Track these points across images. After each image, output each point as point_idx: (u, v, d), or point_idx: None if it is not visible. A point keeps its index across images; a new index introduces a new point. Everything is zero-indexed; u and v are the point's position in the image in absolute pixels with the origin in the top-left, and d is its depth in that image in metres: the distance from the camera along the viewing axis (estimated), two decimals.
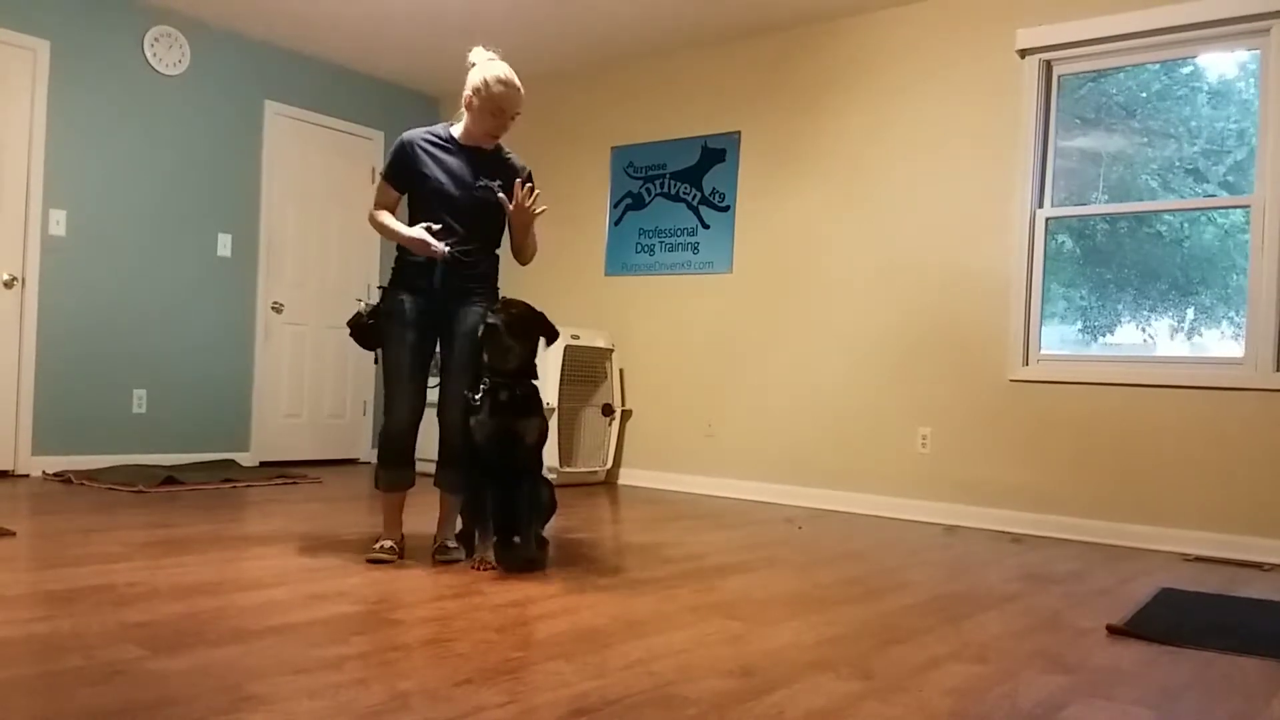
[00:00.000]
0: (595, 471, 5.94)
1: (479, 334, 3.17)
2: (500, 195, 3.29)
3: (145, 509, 4.12)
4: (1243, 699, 2.08)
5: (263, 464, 6.13)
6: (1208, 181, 4.45)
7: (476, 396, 3.15)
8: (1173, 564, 3.91)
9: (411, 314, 3.23)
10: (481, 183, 3.29)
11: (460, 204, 3.26)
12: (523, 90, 3.26)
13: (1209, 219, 4.45)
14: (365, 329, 3.37)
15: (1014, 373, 4.70)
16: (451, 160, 3.29)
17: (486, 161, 3.33)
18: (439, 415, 3.27)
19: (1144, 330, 4.58)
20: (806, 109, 5.45)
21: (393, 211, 3.34)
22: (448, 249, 3.19)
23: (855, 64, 5.29)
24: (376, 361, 3.45)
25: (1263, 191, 4.19)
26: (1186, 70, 4.55)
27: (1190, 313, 4.47)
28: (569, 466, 5.74)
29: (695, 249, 5.86)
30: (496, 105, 3.20)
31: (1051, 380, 4.61)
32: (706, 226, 5.82)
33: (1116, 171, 4.67)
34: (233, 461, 5.92)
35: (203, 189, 5.90)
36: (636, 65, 6.19)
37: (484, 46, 3.30)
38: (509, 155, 3.41)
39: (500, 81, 3.20)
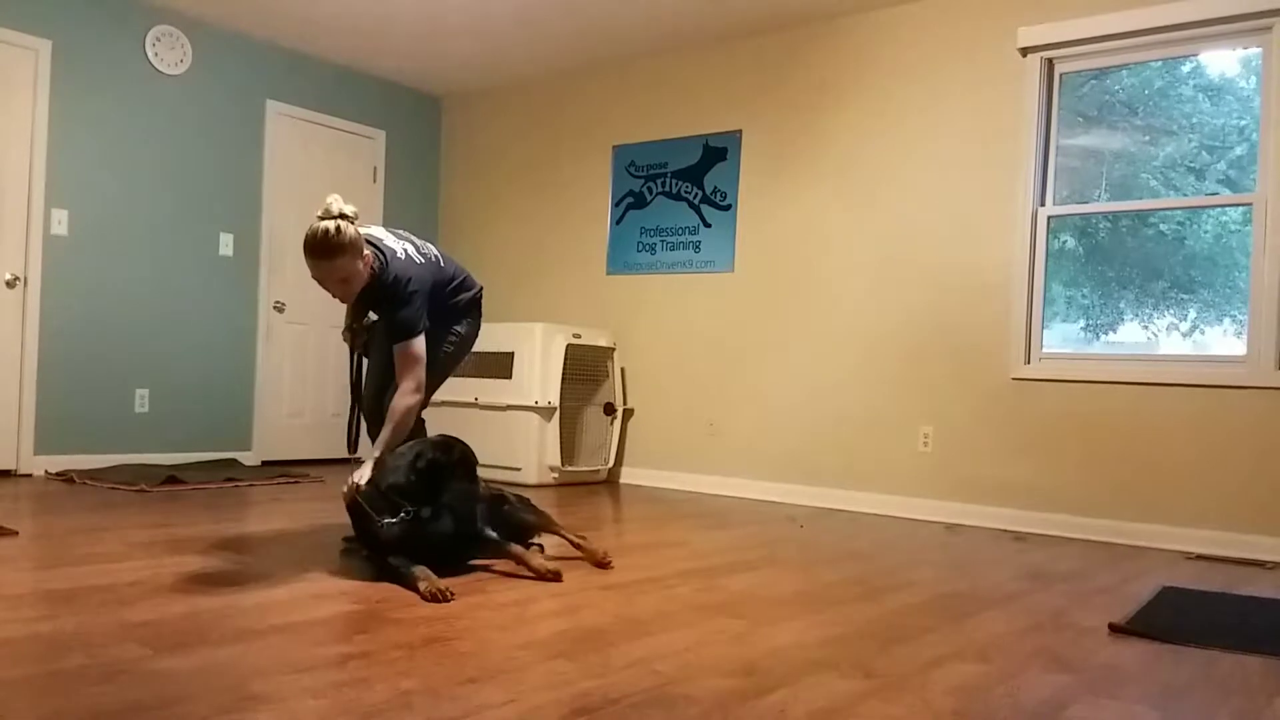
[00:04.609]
0: (597, 470, 5.94)
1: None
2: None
3: (147, 508, 4.13)
4: (1245, 698, 2.08)
5: (265, 463, 6.13)
6: (1209, 179, 4.44)
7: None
8: (1175, 562, 3.91)
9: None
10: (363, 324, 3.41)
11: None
12: (336, 251, 2.96)
13: (1211, 217, 4.45)
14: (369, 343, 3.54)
15: (1016, 371, 4.70)
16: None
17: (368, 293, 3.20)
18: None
19: (1146, 328, 4.58)
20: (808, 107, 5.45)
21: None
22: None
23: (857, 62, 5.28)
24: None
25: (1265, 189, 4.18)
26: (1188, 67, 4.54)
27: (1192, 311, 4.47)
28: (571, 465, 5.74)
29: (697, 248, 5.86)
30: (312, 275, 3.05)
31: (1053, 379, 4.61)
32: (708, 225, 5.82)
33: (1118, 169, 4.67)
34: (235, 461, 5.92)
35: (204, 188, 5.90)
36: (638, 64, 6.18)
37: (340, 196, 3.09)
38: (384, 281, 3.16)
39: (304, 249, 3.00)
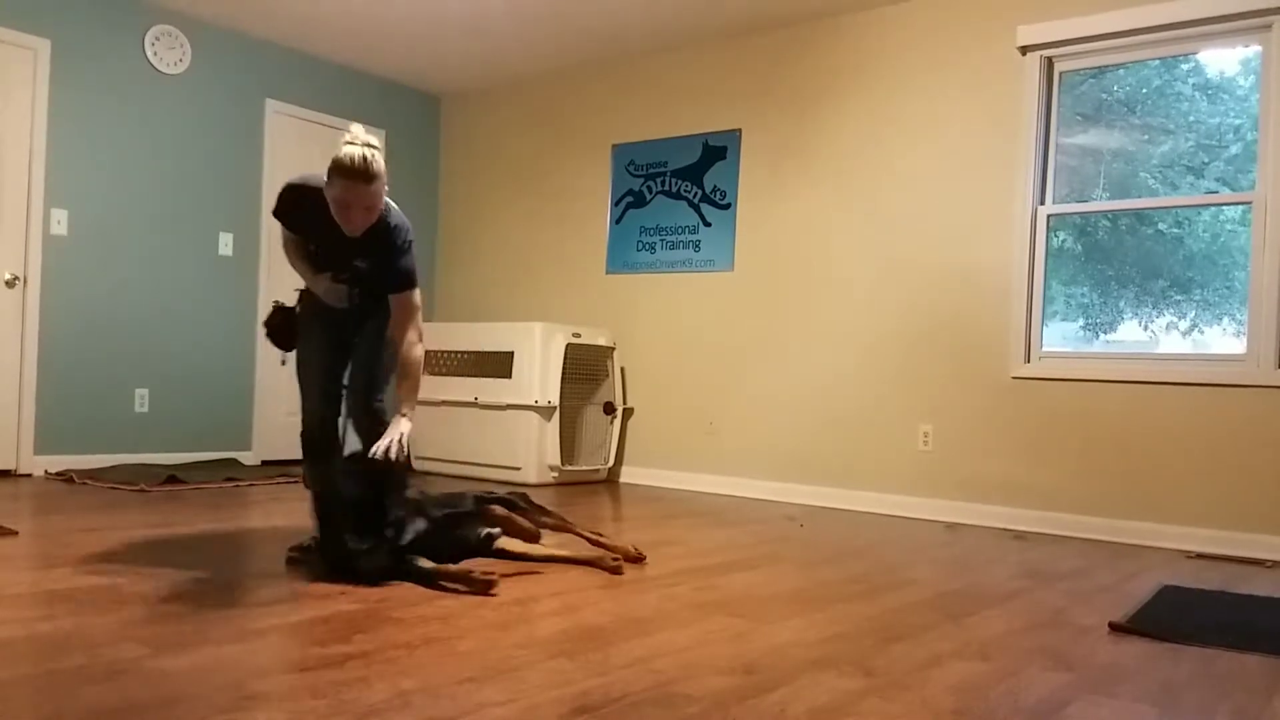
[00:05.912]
0: (597, 470, 5.94)
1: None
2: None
3: (147, 508, 4.13)
4: (1244, 696, 2.08)
5: (265, 463, 6.13)
6: (1207, 178, 4.44)
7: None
8: (1174, 561, 3.91)
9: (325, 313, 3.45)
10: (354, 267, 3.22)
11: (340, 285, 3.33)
12: (374, 176, 2.87)
13: (1210, 215, 4.45)
14: (282, 329, 3.54)
15: (1016, 370, 4.70)
16: (331, 231, 3.07)
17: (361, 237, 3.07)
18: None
19: (1145, 327, 4.58)
20: (807, 106, 5.45)
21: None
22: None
23: (856, 61, 5.28)
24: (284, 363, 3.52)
25: (1264, 188, 4.18)
26: (1187, 66, 4.54)
27: (1192, 310, 4.47)
28: (570, 465, 5.74)
29: (696, 247, 5.86)
30: (338, 198, 2.91)
31: (1053, 377, 4.61)
32: (708, 224, 5.82)
33: (1117, 168, 4.67)
34: (235, 460, 5.92)
35: (204, 188, 5.90)
36: (637, 63, 6.18)
37: (364, 126, 2.99)
38: (387, 225, 3.08)
39: (338, 171, 2.86)
